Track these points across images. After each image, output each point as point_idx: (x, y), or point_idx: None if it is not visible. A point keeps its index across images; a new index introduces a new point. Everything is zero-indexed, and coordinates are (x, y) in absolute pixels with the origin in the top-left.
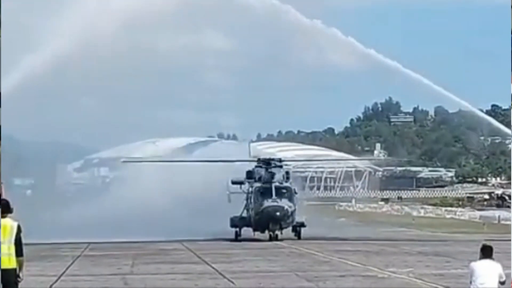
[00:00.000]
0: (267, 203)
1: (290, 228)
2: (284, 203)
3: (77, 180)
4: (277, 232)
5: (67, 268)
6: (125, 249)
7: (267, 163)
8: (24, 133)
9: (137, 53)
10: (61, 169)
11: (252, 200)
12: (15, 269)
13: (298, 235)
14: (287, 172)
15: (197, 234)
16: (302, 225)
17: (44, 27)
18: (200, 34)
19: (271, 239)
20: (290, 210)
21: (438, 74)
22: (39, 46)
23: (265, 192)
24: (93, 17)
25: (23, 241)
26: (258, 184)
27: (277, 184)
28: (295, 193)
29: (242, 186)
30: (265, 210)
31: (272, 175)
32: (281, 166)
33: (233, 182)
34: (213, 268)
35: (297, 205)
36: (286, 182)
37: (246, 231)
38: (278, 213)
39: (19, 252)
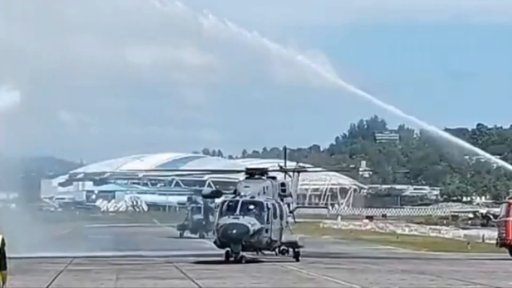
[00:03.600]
0: (225, 220)
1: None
2: (247, 220)
3: (62, 195)
4: (250, 254)
5: (50, 283)
6: (109, 264)
7: (251, 173)
8: (9, 147)
9: (117, 68)
10: (46, 184)
11: (216, 216)
12: None
13: (295, 256)
14: (282, 184)
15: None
16: (294, 245)
17: (26, 42)
18: (178, 49)
19: (235, 260)
20: (252, 228)
21: (424, 93)
22: (22, 61)
23: (229, 208)
24: (74, 32)
25: (7, 254)
26: (226, 199)
27: (246, 198)
28: (279, 208)
29: (217, 200)
30: (221, 228)
31: (248, 187)
32: (274, 178)
33: (204, 196)
34: (197, 284)
35: (282, 222)
36: (282, 195)
37: None
38: (234, 231)
39: (2, 266)
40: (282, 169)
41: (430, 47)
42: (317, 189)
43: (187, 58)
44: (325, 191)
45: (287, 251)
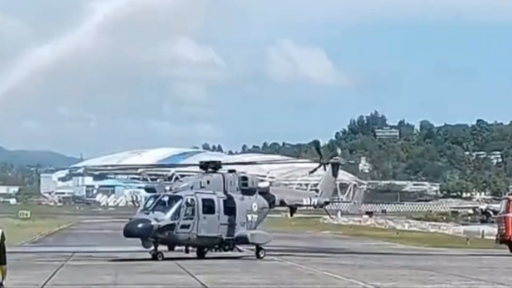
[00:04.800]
0: (136, 215)
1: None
2: (155, 215)
3: (62, 190)
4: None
5: (49, 277)
6: (108, 258)
7: (205, 167)
8: (11, 142)
9: (117, 63)
10: (46, 178)
11: None
12: None
13: (256, 253)
14: (243, 178)
15: None
16: (244, 241)
17: (26, 38)
18: (177, 46)
19: (152, 257)
20: (158, 224)
21: (425, 89)
22: (22, 58)
23: (147, 203)
24: (74, 29)
25: (6, 249)
26: (151, 194)
27: (167, 193)
28: (224, 202)
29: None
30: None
31: (182, 181)
32: (233, 171)
33: (147, 189)
34: (196, 279)
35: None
36: (245, 189)
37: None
38: (134, 227)
39: (2, 260)
40: (320, 162)
41: (432, 44)
42: (316, 184)
43: (187, 54)
44: None
45: (231, 248)
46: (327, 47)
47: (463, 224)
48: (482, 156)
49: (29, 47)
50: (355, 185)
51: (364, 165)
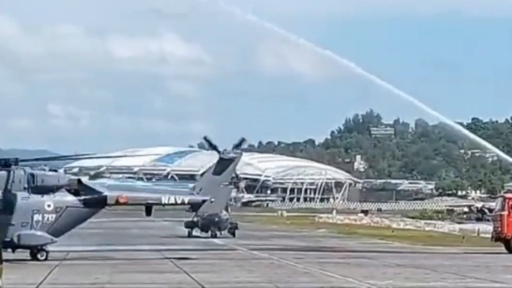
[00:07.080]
0: None
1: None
2: None
3: None
4: None
5: (45, 277)
6: (104, 257)
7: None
8: (5, 141)
9: (101, 59)
10: None
11: None
12: None
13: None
14: (32, 175)
15: None
16: (13, 243)
17: (12, 33)
18: (163, 41)
19: None
20: None
21: (419, 86)
22: (9, 52)
23: None
24: (60, 23)
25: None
26: None
27: None
28: None
29: None
30: None
31: None
32: (23, 168)
33: None
34: (192, 278)
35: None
36: (33, 187)
37: None
38: None
39: None
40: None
41: (427, 40)
42: (312, 183)
43: (182, 53)
44: (321, 185)
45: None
46: (318, 41)
47: (458, 223)
48: (477, 155)
49: (21, 44)
50: (350, 184)
51: (359, 163)
